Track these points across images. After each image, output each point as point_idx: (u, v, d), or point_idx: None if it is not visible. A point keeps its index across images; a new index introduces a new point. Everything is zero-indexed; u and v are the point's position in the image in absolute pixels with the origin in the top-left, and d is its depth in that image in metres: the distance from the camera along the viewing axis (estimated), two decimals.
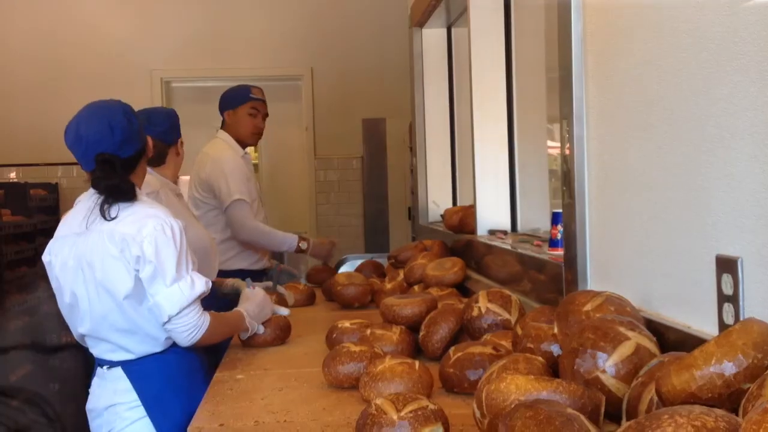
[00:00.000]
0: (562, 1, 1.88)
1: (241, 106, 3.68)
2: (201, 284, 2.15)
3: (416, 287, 2.93)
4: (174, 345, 2.21)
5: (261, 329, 2.49)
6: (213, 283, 2.79)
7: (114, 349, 2.19)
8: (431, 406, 1.43)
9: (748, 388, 0.98)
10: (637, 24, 1.60)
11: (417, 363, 1.80)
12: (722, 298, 1.30)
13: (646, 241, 1.60)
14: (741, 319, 1.23)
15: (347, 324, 2.33)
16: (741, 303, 1.25)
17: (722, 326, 1.29)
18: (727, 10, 1.26)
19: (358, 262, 3.74)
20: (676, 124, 1.44)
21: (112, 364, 2.20)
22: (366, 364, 1.88)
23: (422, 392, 1.69)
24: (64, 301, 2.21)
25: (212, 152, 3.62)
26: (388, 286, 3.12)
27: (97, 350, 2.23)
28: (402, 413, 1.39)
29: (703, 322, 1.37)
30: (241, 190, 3.57)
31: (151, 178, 2.82)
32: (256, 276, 3.47)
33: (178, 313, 2.11)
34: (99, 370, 2.24)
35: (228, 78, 5.32)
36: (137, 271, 2.08)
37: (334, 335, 2.30)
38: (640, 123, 1.59)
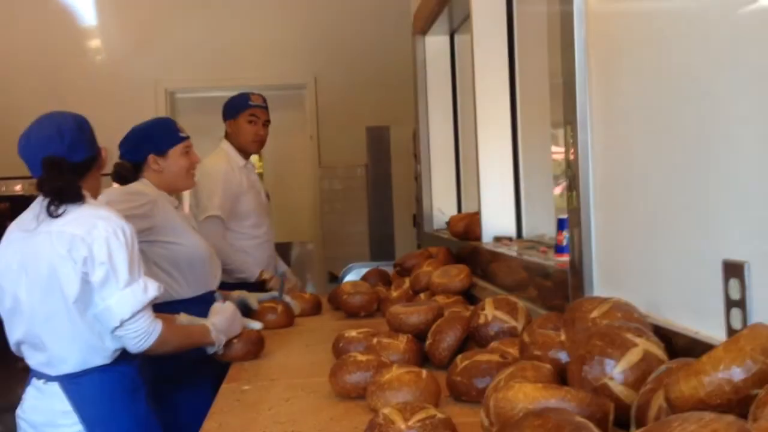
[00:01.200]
0: (565, 6, 1.88)
1: (241, 114, 3.68)
2: (154, 288, 2.11)
3: (422, 295, 2.92)
4: (114, 361, 2.14)
5: (222, 342, 2.42)
6: (220, 295, 2.79)
7: (51, 361, 2.11)
8: (439, 415, 1.42)
9: (757, 394, 0.97)
10: (640, 29, 1.60)
11: (424, 372, 1.79)
12: (729, 303, 1.29)
13: (652, 247, 1.59)
14: (749, 324, 1.23)
15: (354, 333, 2.32)
16: (748, 308, 1.25)
17: (730, 331, 1.29)
18: (730, 14, 1.26)
19: (364, 271, 3.73)
20: (681, 128, 1.44)
21: (48, 378, 2.12)
22: (373, 373, 1.88)
23: (430, 401, 1.69)
24: (4, 306, 2.15)
25: (206, 163, 3.54)
26: (394, 294, 3.11)
27: (33, 361, 2.15)
28: (410, 422, 1.39)
29: (710, 328, 1.36)
30: (219, 205, 3.53)
31: (146, 188, 2.81)
32: (258, 287, 3.46)
33: (130, 318, 2.06)
34: (35, 381, 2.15)
35: (232, 88, 5.31)
36: (85, 273, 2.03)
37: (341, 344, 2.30)
38: (645, 127, 1.59)
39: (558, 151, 3.01)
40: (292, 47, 6.41)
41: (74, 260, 2.03)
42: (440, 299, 2.67)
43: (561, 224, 2.24)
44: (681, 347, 1.41)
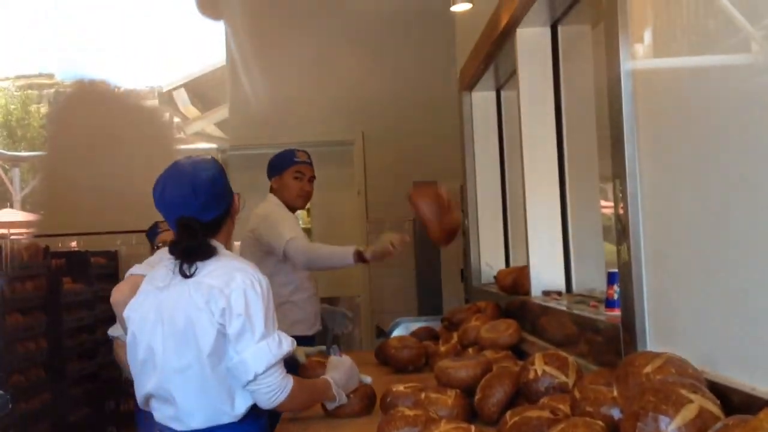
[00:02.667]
0: (612, 61, 1.89)
1: (287, 171, 3.70)
2: (287, 343, 2.09)
3: (471, 350, 2.89)
4: (240, 421, 2.11)
5: (344, 398, 2.38)
6: (337, 348, 2.74)
7: (179, 416, 2.10)
8: None
9: None
10: (688, 83, 1.60)
11: (473, 428, 1.77)
12: None
13: (706, 300, 1.56)
14: None
15: (401, 388, 2.30)
16: None
17: None
18: None
19: (412, 325, 3.72)
20: (731, 181, 1.42)
21: None
22: (421, 429, 1.86)
23: None
24: (137, 357, 2.15)
25: (260, 210, 3.64)
26: (442, 348, 3.09)
27: (161, 414, 2.15)
28: None
29: None
30: (293, 230, 3.55)
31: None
32: (309, 341, 3.46)
33: (264, 372, 2.03)
34: None
35: (281, 145, 5.40)
36: (221, 325, 2.03)
37: (388, 399, 2.28)
38: (694, 180, 1.57)
39: (607, 205, 2.99)
40: (340, 104, 6.52)
41: (212, 312, 2.03)
42: (489, 354, 2.64)
43: (611, 278, 2.21)
44: (737, 404, 1.37)
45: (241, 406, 2.10)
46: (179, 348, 2.06)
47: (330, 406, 2.36)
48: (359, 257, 3.39)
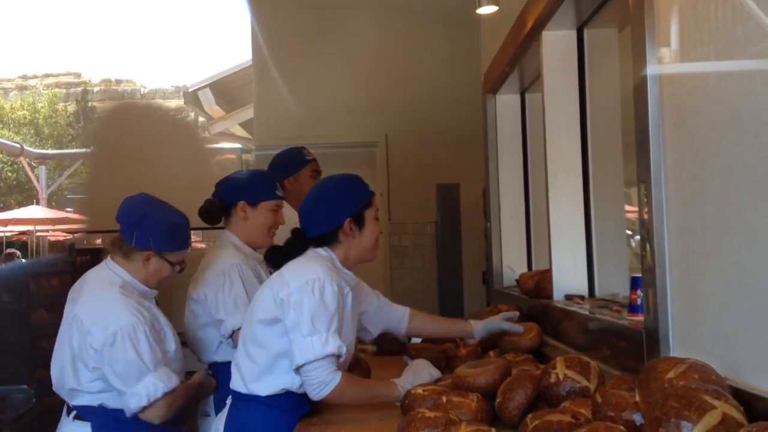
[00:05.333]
0: (638, 64, 1.88)
1: (303, 170, 3.59)
2: (334, 345, 2.21)
3: (491, 353, 2.89)
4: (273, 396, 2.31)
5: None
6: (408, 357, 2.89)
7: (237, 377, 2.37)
8: None
9: None
10: (715, 86, 1.59)
11: (493, 430, 1.76)
12: None
13: (730, 306, 1.55)
14: None
15: (420, 390, 2.30)
16: None
17: None
18: None
19: None
20: (759, 186, 1.41)
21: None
22: (441, 431, 1.86)
23: None
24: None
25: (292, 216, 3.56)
26: (463, 351, 3.08)
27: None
28: None
29: None
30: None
31: (229, 254, 2.87)
32: None
33: (304, 365, 2.20)
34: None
35: (306, 145, 5.45)
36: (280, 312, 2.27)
37: (407, 401, 2.28)
38: (721, 185, 1.56)
39: (632, 210, 2.98)
40: (364, 106, 6.53)
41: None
42: (510, 357, 2.64)
43: (635, 283, 2.20)
44: (761, 411, 1.36)
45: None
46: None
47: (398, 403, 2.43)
48: None
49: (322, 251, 2.40)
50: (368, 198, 2.45)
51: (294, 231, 2.45)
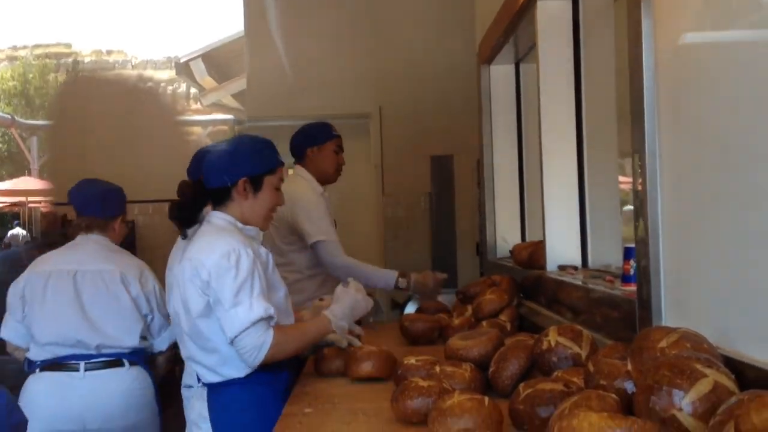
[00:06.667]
0: (634, 34, 1.87)
1: (328, 143, 3.67)
2: (260, 309, 2.20)
3: (485, 323, 2.90)
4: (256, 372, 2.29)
5: (358, 329, 2.55)
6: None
7: (203, 371, 2.36)
8: None
9: None
10: (710, 55, 1.58)
11: (486, 399, 1.78)
12: None
13: (722, 276, 1.56)
14: None
15: (413, 361, 2.30)
16: None
17: None
18: None
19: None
20: (753, 156, 1.41)
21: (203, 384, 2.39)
22: (434, 399, 1.87)
23: (492, 429, 1.68)
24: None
25: (292, 192, 3.27)
26: (456, 321, 3.10)
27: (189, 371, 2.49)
28: None
29: None
30: (324, 229, 3.54)
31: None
32: None
33: (236, 336, 2.20)
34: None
35: (299, 117, 5.41)
36: (207, 295, 2.25)
37: (400, 372, 2.29)
38: (715, 156, 1.56)
39: (626, 181, 2.98)
40: (358, 77, 6.49)
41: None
42: (507, 326, 2.65)
43: (628, 253, 2.21)
44: (752, 379, 1.37)
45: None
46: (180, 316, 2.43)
47: (330, 337, 2.47)
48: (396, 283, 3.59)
49: (220, 220, 2.36)
50: (273, 164, 2.43)
51: (197, 182, 2.42)
